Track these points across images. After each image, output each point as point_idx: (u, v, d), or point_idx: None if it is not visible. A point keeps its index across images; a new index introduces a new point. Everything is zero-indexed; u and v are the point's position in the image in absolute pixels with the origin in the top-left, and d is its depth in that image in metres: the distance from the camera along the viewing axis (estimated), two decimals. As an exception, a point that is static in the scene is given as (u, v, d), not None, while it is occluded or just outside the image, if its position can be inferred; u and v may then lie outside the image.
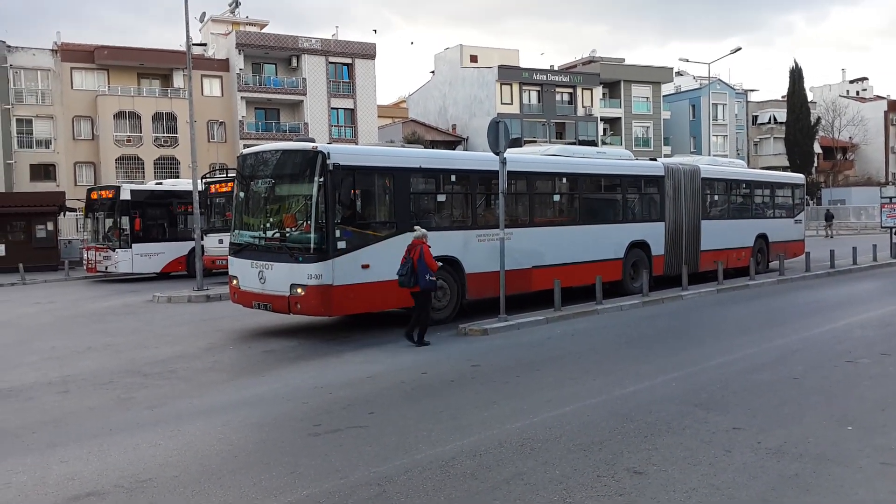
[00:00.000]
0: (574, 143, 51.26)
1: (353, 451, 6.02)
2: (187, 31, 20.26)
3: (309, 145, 11.71)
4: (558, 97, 56.74)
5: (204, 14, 28.05)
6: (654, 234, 17.12)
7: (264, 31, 52.85)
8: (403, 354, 10.51)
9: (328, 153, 11.26)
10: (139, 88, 44.61)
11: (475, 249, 13.27)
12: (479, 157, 14.69)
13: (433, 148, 41.78)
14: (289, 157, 12.14)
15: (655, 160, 18.63)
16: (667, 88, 65.95)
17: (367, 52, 50.02)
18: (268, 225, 12.20)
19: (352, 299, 11.61)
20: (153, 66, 45.53)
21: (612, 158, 17.43)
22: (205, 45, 50.39)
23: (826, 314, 13.36)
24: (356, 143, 42.60)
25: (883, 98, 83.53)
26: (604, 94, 60.01)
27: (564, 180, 15.68)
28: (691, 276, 17.25)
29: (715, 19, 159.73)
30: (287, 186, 12.13)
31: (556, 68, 61.76)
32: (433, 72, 62.41)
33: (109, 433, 6.80)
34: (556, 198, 15.95)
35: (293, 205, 11.88)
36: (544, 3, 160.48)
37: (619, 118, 60.64)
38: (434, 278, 11.11)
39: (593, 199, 16.50)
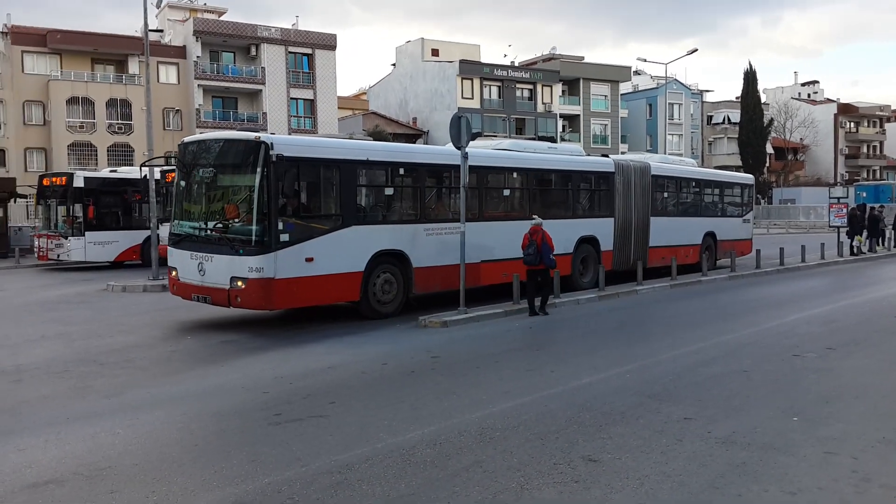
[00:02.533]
0: (533, 139, 51.62)
1: (314, 440, 6.07)
2: (145, 17, 19.91)
3: (252, 135, 11.46)
4: (518, 93, 57.08)
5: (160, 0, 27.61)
6: (603, 229, 17.17)
7: (222, 18, 52.07)
8: (364, 346, 10.58)
9: (271, 143, 11.02)
10: (93, 74, 43.65)
11: (423, 243, 13.23)
12: (427, 150, 15.08)
13: (394, 141, 41.76)
14: (231, 146, 11.92)
15: (607, 157, 18.72)
16: (625, 87, 66.89)
17: (328, 42, 49.68)
18: (208, 216, 11.89)
19: (294, 293, 11.40)
20: (107, 52, 44.62)
21: (563, 154, 17.33)
22: (161, 31, 49.43)
23: (774, 310, 13.77)
24: (315, 134, 42.27)
25: (833, 101, 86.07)
26: (563, 91, 60.55)
27: (515, 175, 15.61)
28: (651, 271, 17.64)
29: (671, 21, 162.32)
30: (230, 177, 11.92)
31: (516, 64, 62.11)
32: (394, 64, 62.22)
33: (66, 422, 6.73)
34: (506, 192, 15.92)
35: (235, 196, 11.64)
36: (504, 1, 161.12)
37: (578, 115, 61.29)
38: (554, 257, 13.12)
39: (543, 194, 16.42)
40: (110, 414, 6.99)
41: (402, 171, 13.55)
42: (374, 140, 15.76)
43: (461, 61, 54.60)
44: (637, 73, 71.79)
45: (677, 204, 20.32)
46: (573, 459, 5.56)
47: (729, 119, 73.96)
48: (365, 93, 68.61)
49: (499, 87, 56.18)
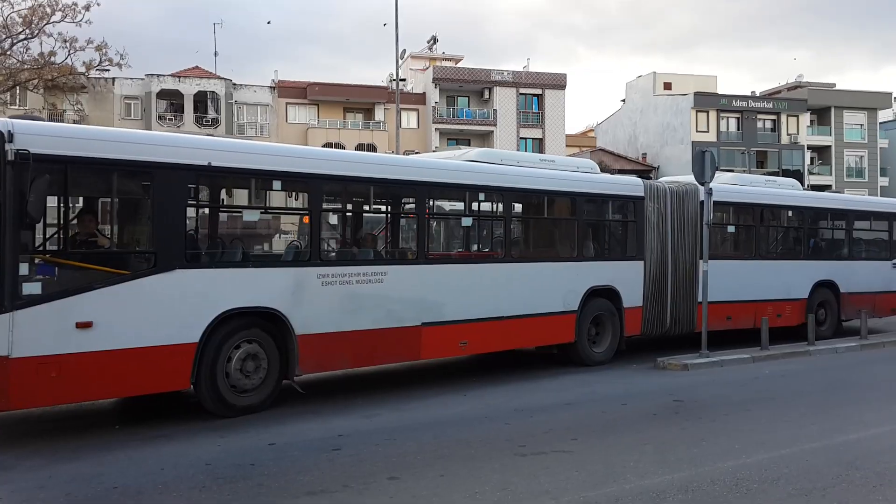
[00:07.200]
0: (777, 174, 48.38)
1: (560, 474, 6.13)
2: (397, 72, 21.76)
3: None
4: (760, 124, 53.87)
5: (404, 51, 30.00)
6: (627, 277, 12.32)
7: (459, 65, 54.97)
8: (597, 384, 10.49)
9: (9, 132, 6.78)
10: (344, 122, 47.97)
11: (314, 297, 8.73)
12: (323, 155, 10.56)
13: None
14: None
15: (648, 177, 13.87)
16: (884, 115, 60.44)
17: (558, 82, 50.53)
18: None
19: (51, 382, 6.97)
20: (357, 101, 48.81)
21: (563, 169, 12.22)
22: (404, 80, 53.23)
23: None
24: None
25: None
26: (811, 121, 56.17)
27: (482, 196, 11.21)
28: (685, 338, 13.28)
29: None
30: None
31: (758, 94, 58.79)
32: (623, 100, 61.68)
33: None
34: (468, 222, 11.88)
35: None
36: (739, 29, 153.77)
37: (829, 146, 56.36)
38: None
39: (529, 225, 12.34)
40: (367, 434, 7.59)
41: (278, 184, 9.04)
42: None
43: (696, 93, 52.78)
44: (899, 98, 64.64)
45: (757, 241, 14.44)
46: (846, 521, 5.10)
47: None
48: (592, 130, 68.61)
49: (737, 118, 53.50)
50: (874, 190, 53.69)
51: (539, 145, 50.07)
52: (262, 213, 9.52)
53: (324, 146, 46.09)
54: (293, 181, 9.03)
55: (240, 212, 9.88)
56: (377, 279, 9.35)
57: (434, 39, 59.10)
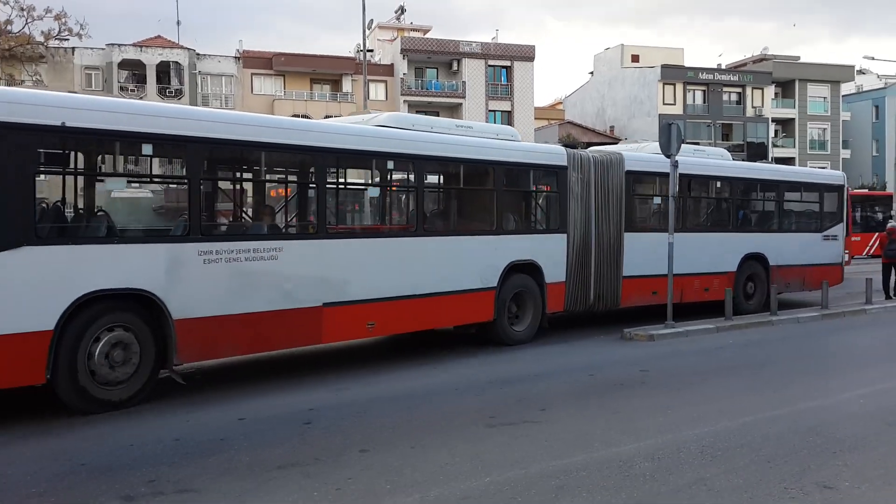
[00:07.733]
0: (742, 146, 49.00)
1: (530, 444, 6.22)
2: (364, 44, 21.43)
3: None
4: (725, 97, 54.42)
5: (371, 21, 29.51)
6: (549, 250, 11.70)
7: (427, 36, 54.44)
8: (568, 355, 10.65)
9: None
10: (311, 93, 47.31)
11: (195, 277, 7.84)
12: (203, 115, 8.71)
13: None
14: None
15: (578, 147, 13.18)
16: (847, 88, 61.39)
17: (527, 54, 50.30)
18: None
19: None
20: (324, 72, 48.13)
21: (481, 136, 11.27)
22: (371, 51, 52.59)
23: None
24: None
25: None
26: (776, 93, 56.84)
27: (391, 164, 10.45)
28: (609, 315, 13.29)
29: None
30: None
31: (723, 67, 59.23)
32: (592, 72, 61.74)
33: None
34: (375, 193, 11.35)
35: None
36: (707, 1, 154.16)
37: (793, 119, 57.15)
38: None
39: (446, 196, 11.74)
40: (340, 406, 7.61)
41: (148, 149, 8.03)
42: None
43: (663, 66, 53.05)
44: (861, 72, 65.57)
45: (684, 213, 13.88)
46: (805, 485, 5.25)
47: (975, 120, 65.36)
48: (560, 102, 68.63)
49: (703, 91, 53.95)
50: (836, 163, 54.67)
51: (508, 118, 49.93)
52: (129, 181, 8.60)
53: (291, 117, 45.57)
54: (167, 145, 8.01)
55: (103, 180, 8.78)
56: (271, 256, 8.46)
57: (402, 9, 58.31)
